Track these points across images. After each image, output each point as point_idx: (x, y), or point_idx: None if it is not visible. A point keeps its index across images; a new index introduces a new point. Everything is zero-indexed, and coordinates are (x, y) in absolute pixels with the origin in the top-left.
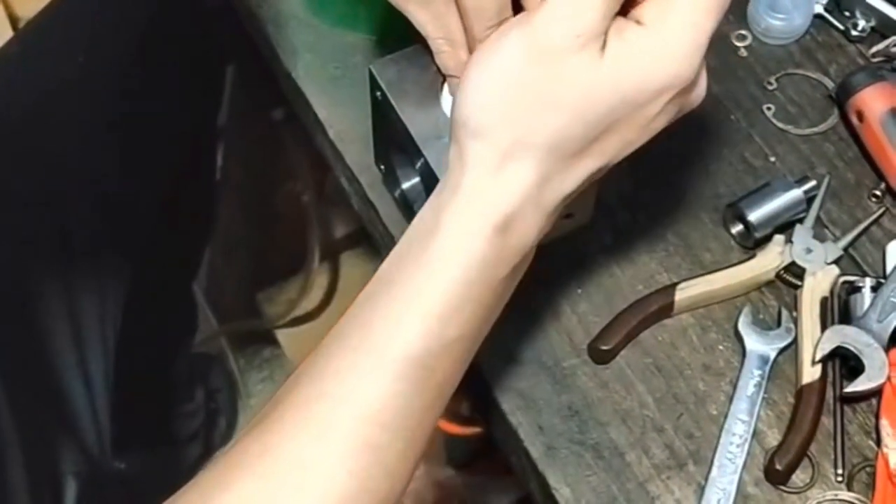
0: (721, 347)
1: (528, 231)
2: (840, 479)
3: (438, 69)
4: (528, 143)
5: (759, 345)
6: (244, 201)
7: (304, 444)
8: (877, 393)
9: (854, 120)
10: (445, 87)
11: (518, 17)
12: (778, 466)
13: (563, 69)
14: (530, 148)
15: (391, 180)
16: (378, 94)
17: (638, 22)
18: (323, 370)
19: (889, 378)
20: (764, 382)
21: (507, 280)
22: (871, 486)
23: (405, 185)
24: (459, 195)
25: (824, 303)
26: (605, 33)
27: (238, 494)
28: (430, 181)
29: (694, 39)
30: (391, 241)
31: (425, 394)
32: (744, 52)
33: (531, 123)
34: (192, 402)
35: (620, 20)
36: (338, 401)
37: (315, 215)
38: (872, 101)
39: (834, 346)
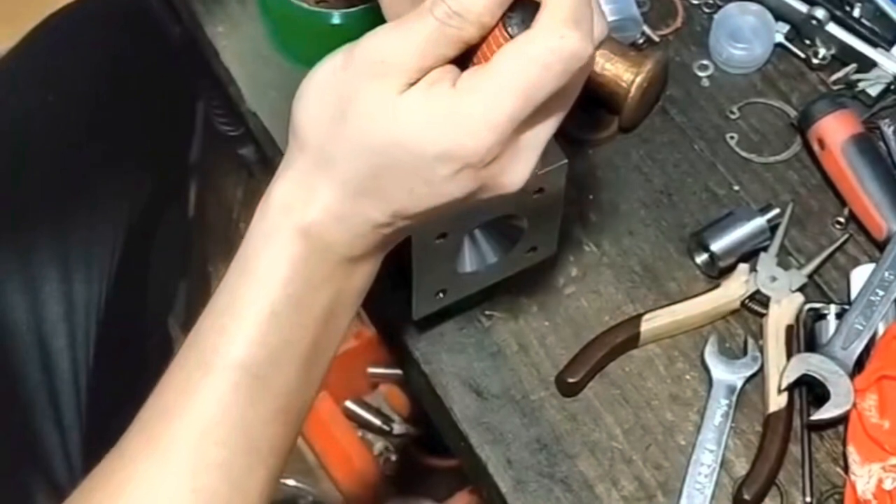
0: (688, 377)
1: (336, 242)
2: None
3: None
4: (328, 154)
5: (726, 374)
6: (218, 236)
7: (148, 464)
8: (843, 420)
9: (816, 147)
10: None
11: None
12: (746, 496)
13: (359, 90)
14: (330, 160)
15: None
16: None
17: (452, 84)
18: (164, 386)
19: (855, 405)
20: (731, 411)
21: (329, 289)
22: None
23: None
24: (269, 200)
25: (790, 330)
26: (421, 76)
27: None
28: None
29: (488, 117)
30: None
31: (260, 405)
32: (706, 82)
33: (331, 129)
34: None
35: (443, 74)
36: (175, 418)
37: None
38: (833, 128)
39: (799, 374)
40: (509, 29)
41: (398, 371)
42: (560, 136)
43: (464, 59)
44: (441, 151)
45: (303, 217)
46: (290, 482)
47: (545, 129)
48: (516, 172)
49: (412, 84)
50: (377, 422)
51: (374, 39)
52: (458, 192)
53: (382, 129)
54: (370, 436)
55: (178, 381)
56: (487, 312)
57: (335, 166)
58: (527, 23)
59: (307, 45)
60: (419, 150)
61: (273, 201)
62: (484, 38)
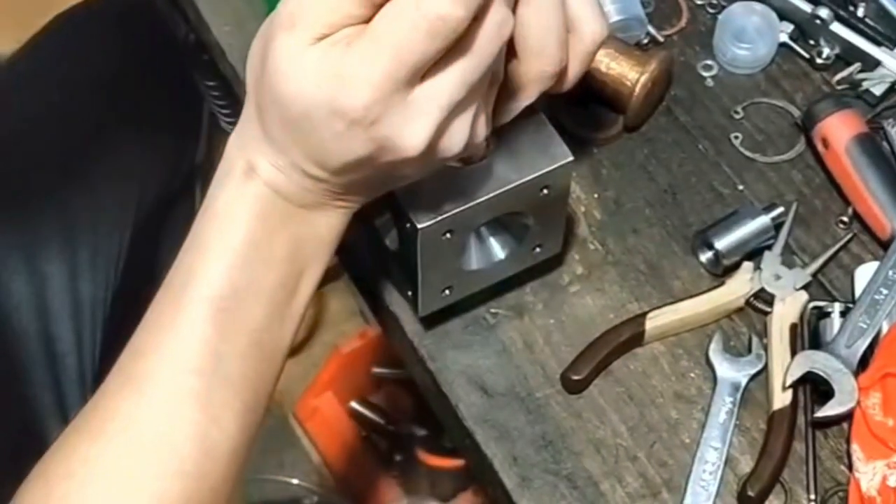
0: (692, 375)
1: (281, 189)
2: None
3: None
4: (258, 106)
5: (730, 372)
6: None
7: (126, 399)
8: (847, 417)
9: (820, 147)
10: None
11: None
12: (751, 493)
13: (272, 40)
14: (259, 111)
15: (362, 214)
16: None
17: (350, 41)
18: (140, 329)
19: (859, 403)
20: (735, 409)
21: (286, 234)
22: None
23: (375, 220)
24: (227, 146)
25: (794, 329)
26: (330, 32)
27: (73, 458)
28: (399, 215)
29: (365, 75)
30: (365, 276)
31: (231, 338)
32: (710, 82)
33: (259, 80)
34: None
35: (349, 33)
36: (150, 353)
37: None
38: (837, 128)
39: (804, 371)
40: None
41: (402, 371)
42: (565, 134)
43: None
44: (329, 108)
45: (248, 158)
46: (294, 481)
47: (438, 92)
48: (410, 134)
49: (320, 39)
50: (381, 422)
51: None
52: (359, 149)
53: (284, 83)
54: (374, 436)
55: (152, 321)
56: (493, 310)
57: (262, 117)
58: None
59: None
60: (312, 105)
61: (230, 144)
62: None
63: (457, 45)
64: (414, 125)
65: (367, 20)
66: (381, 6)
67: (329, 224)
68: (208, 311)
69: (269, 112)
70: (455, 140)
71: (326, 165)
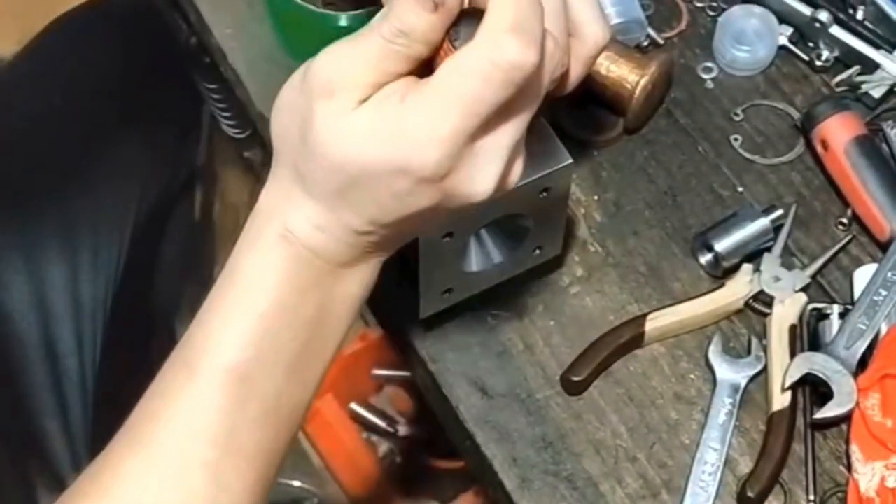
0: (692, 376)
1: (319, 249)
2: None
3: None
4: (299, 170)
5: (730, 373)
6: (224, 239)
7: (134, 464)
8: (846, 419)
9: (819, 149)
10: None
11: None
12: (750, 494)
13: (313, 110)
14: (301, 175)
15: None
16: None
17: (402, 97)
18: (153, 390)
19: (858, 404)
20: (735, 410)
21: (317, 294)
22: None
23: None
24: (257, 206)
25: (793, 330)
26: (373, 92)
27: None
28: None
29: (433, 132)
30: None
31: (247, 406)
32: (710, 84)
33: (297, 143)
34: None
35: (395, 89)
36: (162, 419)
37: None
38: (837, 130)
39: (803, 373)
40: (455, 42)
41: (403, 373)
42: (565, 137)
43: (425, 71)
44: (392, 168)
45: (285, 224)
46: (295, 484)
47: (504, 137)
48: (480, 181)
49: (363, 101)
50: (382, 424)
51: (324, 58)
52: (424, 202)
53: (335, 149)
54: (375, 438)
55: (165, 385)
56: (493, 312)
57: (306, 182)
58: (472, 32)
59: (315, 46)
60: (372, 168)
61: (259, 208)
62: (436, 51)
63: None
64: (483, 173)
65: (407, 74)
66: (422, 61)
67: (362, 279)
68: (226, 379)
69: (316, 175)
70: (514, 175)
71: (382, 221)
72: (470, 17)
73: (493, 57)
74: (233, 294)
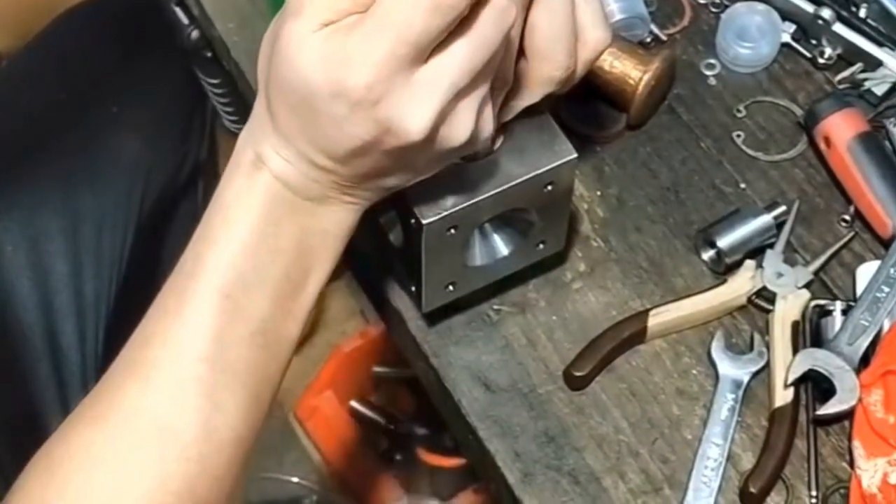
0: (694, 372)
1: (288, 181)
2: (814, 501)
3: None
4: (267, 95)
5: (732, 369)
6: None
7: (130, 387)
8: (849, 415)
9: (822, 146)
10: None
11: None
12: (752, 489)
13: (282, 27)
14: (268, 101)
15: (366, 210)
16: None
17: (354, 25)
18: (148, 315)
19: (860, 400)
20: (737, 406)
21: (292, 226)
22: None
23: (381, 217)
24: (237, 143)
25: (795, 326)
26: (338, 17)
27: (76, 443)
28: (403, 211)
29: (366, 55)
30: (368, 272)
31: (238, 327)
32: (713, 81)
33: (266, 75)
34: None
35: (358, 16)
36: (156, 341)
37: None
38: (839, 127)
39: (805, 369)
40: None
41: (403, 370)
42: (568, 132)
43: None
44: (330, 91)
45: (256, 149)
46: (295, 480)
47: (444, 73)
48: (414, 114)
49: (326, 25)
50: (382, 421)
51: None
52: (363, 133)
53: (288, 68)
54: (375, 435)
55: (159, 310)
56: (496, 306)
57: (271, 108)
58: None
59: None
60: (315, 89)
61: (239, 142)
62: None
63: (460, 29)
64: (416, 106)
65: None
66: None
67: (336, 219)
68: (214, 299)
69: (277, 100)
70: (459, 128)
71: (332, 153)
72: None
73: None
74: (216, 220)
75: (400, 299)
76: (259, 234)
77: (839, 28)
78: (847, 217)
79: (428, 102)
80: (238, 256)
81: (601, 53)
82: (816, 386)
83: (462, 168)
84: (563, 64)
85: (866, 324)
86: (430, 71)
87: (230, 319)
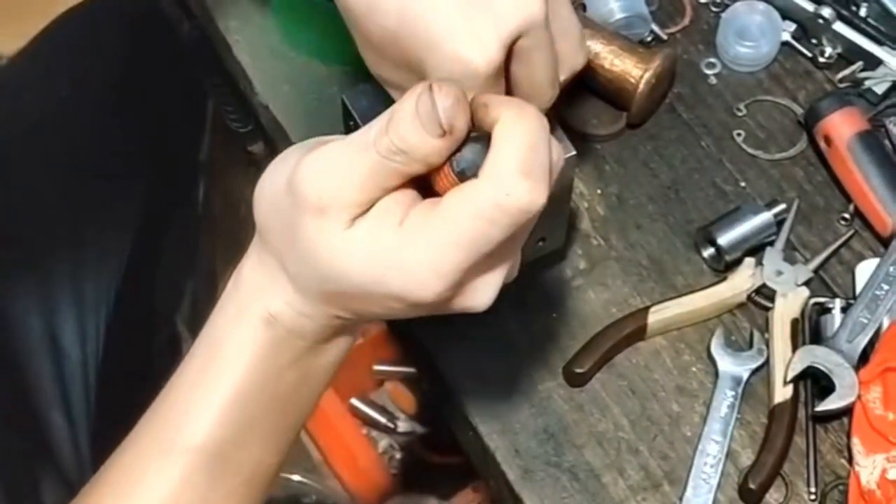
0: (694, 369)
1: (301, 331)
2: (813, 497)
3: None
4: (287, 264)
5: (732, 366)
6: (226, 235)
7: None
8: (848, 412)
9: (822, 144)
10: None
11: (316, 140)
12: (752, 486)
13: (302, 225)
14: (288, 268)
15: None
16: (351, 122)
17: (399, 222)
18: (121, 465)
19: (859, 397)
20: (737, 403)
21: (295, 370)
22: None
23: None
24: (239, 278)
25: (795, 324)
26: (364, 209)
27: None
28: None
29: (435, 267)
30: None
31: (221, 482)
32: (713, 80)
33: (284, 246)
34: None
35: (390, 207)
36: (137, 496)
37: None
38: (840, 125)
39: (805, 366)
40: (455, 164)
41: (403, 368)
42: (569, 130)
43: (418, 182)
44: (389, 293)
45: (268, 306)
46: (295, 478)
47: (503, 261)
48: (479, 300)
49: (356, 218)
50: (382, 419)
51: (313, 169)
52: (417, 314)
53: (330, 264)
54: (375, 433)
55: (136, 460)
56: (496, 303)
57: (293, 275)
58: (476, 161)
59: (319, 38)
60: (367, 288)
61: (242, 283)
62: (434, 170)
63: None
64: (483, 294)
65: (397, 188)
66: (413, 176)
67: (341, 348)
68: (201, 460)
69: (305, 279)
70: (511, 277)
71: (370, 316)
72: (473, 140)
73: (503, 201)
74: (211, 369)
75: None
76: (259, 385)
77: (839, 27)
78: (847, 215)
79: (492, 288)
80: (233, 413)
81: (574, 76)
82: (816, 383)
83: None
84: (545, 101)
85: (865, 321)
86: (495, 263)
87: (217, 477)
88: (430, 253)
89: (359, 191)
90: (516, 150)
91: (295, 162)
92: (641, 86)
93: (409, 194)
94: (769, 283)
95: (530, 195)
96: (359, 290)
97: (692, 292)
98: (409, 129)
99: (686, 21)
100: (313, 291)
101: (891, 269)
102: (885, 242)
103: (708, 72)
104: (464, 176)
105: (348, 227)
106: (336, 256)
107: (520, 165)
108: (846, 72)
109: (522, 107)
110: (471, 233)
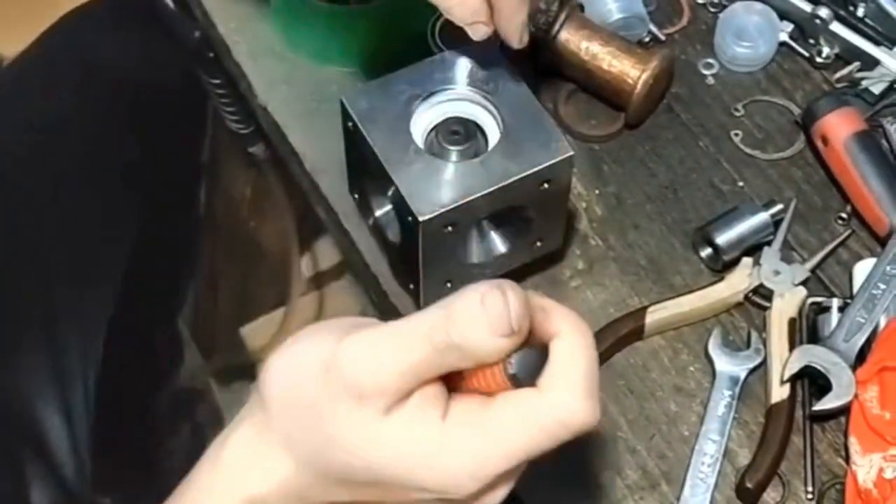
0: (692, 369)
1: None
2: (810, 496)
3: (408, 99)
4: (294, 443)
5: (729, 366)
6: (227, 236)
7: None
8: (845, 411)
9: (819, 144)
10: (414, 115)
11: (348, 321)
12: (749, 485)
13: (336, 413)
14: (294, 448)
15: (365, 208)
16: (350, 123)
17: (442, 416)
18: None
19: (856, 396)
20: (734, 402)
21: None
22: (840, 503)
23: (378, 213)
24: (223, 454)
25: (792, 323)
26: (408, 395)
27: None
28: (401, 207)
29: (476, 472)
30: (367, 270)
31: None
32: (711, 80)
33: (300, 427)
34: (177, 437)
35: (430, 400)
36: None
37: (297, 248)
38: (837, 125)
39: (802, 365)
40: (509, 368)
41: None
42: (566, 131)
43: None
44: (418, 486)
45: (254, 488)
46: None
47: (501, 467)
48: (497, 497)
49: (391, 406)
50: None
51: (356, 357)
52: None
53: (354, 453)
54: None
55: None
56: None
57: (301, 456)
58: (532, 369)
59: (320, 41)
60: (400, 480)
61: (226, 459)
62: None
63: None
64: (498, 494)
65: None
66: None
67: None
68: None
69: (322, 462)
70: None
71: (369, 502)
72: (526, 346)
73: (567, 420)
74: None
75: (398, 297)
76: None
77: (837, 27)
78: (844, 215)
79: (505, 490)
80: None
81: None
82: (813, 382)
83: (459, 166)
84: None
85: (863, 320)
86: (521, 464)
87: None
88: (475, 458)
89: (401, 381)
90: (583, 372)
91: (333, 342)
92: (639, 86)
93: (441, 386)
94: (766, 283)
95: (594, 415)
96: (392, 479)
97: (690, 292)
98: (472, 325)
99: (684, 22)
100: (321, 475)
101: (888, 268)
102: (882, 242)
103: (706, 72)
104: (516, 380)
105: (384, 416)
106: (366, 446)
107: (585, 388)
108: (843, 72)
109: (580, 324)
110: (527, 445)
